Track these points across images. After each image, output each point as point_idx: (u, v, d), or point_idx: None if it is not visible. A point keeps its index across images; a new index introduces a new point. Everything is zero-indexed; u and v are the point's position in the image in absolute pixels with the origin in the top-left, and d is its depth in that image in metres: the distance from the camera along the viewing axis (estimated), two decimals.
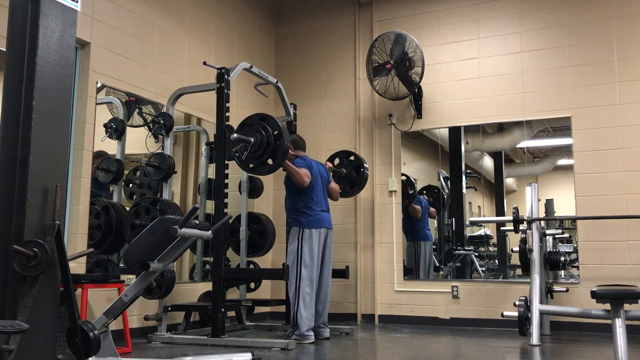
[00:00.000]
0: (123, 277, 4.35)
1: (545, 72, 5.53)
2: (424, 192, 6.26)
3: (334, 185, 5.00)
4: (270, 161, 4.37)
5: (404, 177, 6.02)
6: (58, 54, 2.43)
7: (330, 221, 4.75)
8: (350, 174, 5.52)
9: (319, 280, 4.60)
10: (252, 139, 4.31)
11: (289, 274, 4.48)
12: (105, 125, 4.60)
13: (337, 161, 5.57)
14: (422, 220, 6.15)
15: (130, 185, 4.88)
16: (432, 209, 6.18)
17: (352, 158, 5.56)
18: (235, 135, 4.26)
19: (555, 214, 5.44)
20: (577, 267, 5.23)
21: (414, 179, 6.26)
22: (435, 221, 6.36)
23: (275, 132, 4.33)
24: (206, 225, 3.30)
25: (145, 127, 5.03)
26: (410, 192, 6.02)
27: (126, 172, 4.79)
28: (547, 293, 4.91)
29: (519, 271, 5.51)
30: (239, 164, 4.45)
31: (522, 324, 4.45)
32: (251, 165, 4.43)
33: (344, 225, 6.05)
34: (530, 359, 3.88)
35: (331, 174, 5.14)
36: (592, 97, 5.32)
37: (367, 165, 5.56)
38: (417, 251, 6.07)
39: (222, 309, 4.30)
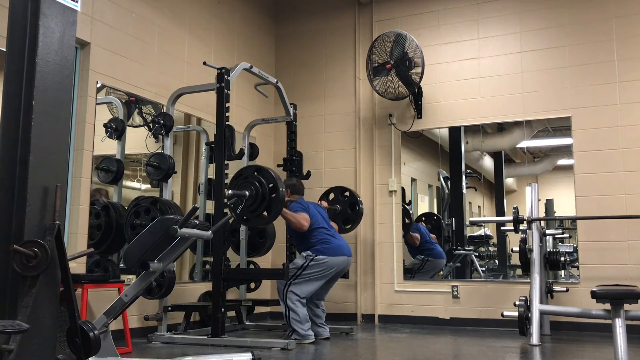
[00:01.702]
0: (123, 277, 4.35)
1: (545, 72, 5.53)
2: (423, 218, 6.22)
3: (332, 224, 4.92)
4: (265, 214, 4.29)
5: (401, 207, 5.95)
6: (58, 54, 2.43)
7: (350, 248, 4.64)
8: (345, 210, 5.42)
9: (322, 288, 4.57)
10: (247, 193, 4.23)
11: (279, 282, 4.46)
12: (105, 125, 4.60)
13: (332, 196, 5.48)
14: (427, 241, 6.04)
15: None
16: (433, 235, 6.10)
17: (347, 194, 5.46)
18: (230, 191, 4.17)
19: (555, 214, 5.44)
20: (577, 267, 5.23)
21: (413, 179, 6.26)
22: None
23: (271, 185, 4.23)
24: (206, 225, 3.30)
25: (145, 127, 5.03)
26: (406, 222, 5.94)
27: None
28: (547, 293, 4.92)
29: (519, 271, 5.51)
30: (234, 216, 4.38)
31: (522, 324, 4.45)
32: (245, 218, 4.33)
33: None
34: (530, 359, 3.88)
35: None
36: (592, 97, 5.32)
37: (362, 201, 5.45)
38: (423, 265, 6.01)
39: (222, 309, 4.29)
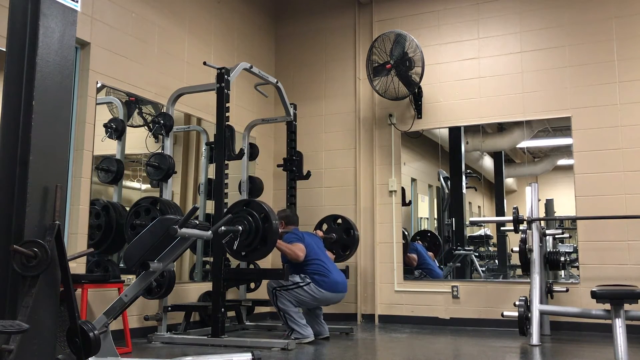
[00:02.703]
0: (123, 277, 4.35)
1: (545, 72, 5.52)
2: (418, 238, 6.20)
3: (328, 254, 4.90)
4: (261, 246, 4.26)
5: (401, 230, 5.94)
6: (58, 54, 2.43)
7: (346, 284, 4.59)
8: (341, 237, 5.40)
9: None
10: (240, 228, 4.19)
11: (271, 282, 4.45)
12: (105, 125, 4.60)
13: (325, 227, 5.46)
14: (426, 260, 6.03)
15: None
16: (431, 253, 6.08)
17: (339, 221, 5.46)
18: (222, 228, 4.13)
19: (555, 214, 5.44)
20: (577, 267, 5.23)
21: (413, 179, 6.26)
22: (436, 221, 6.36)
23: (262, 215, 4.21)
24: (206, 225, 3.30)
25: (145, 127, 5.03)
26: (403, 243, 5.92)
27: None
28: (547, 293, 4.91)
29: (519, 271, 5.51)
30: (230, 254, 4.35)
31: (522, 324, 4.45)
32: (243, 254, 4.29)
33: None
34: (530, 359, 3.88)
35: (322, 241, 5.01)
36: (592, 97, 5.32)
37: (356, 226, 5.46)
38: (421, 277, 6.00)
39: (222, 309, 4.30)
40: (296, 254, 4.44)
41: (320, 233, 5.22)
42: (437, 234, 6.20)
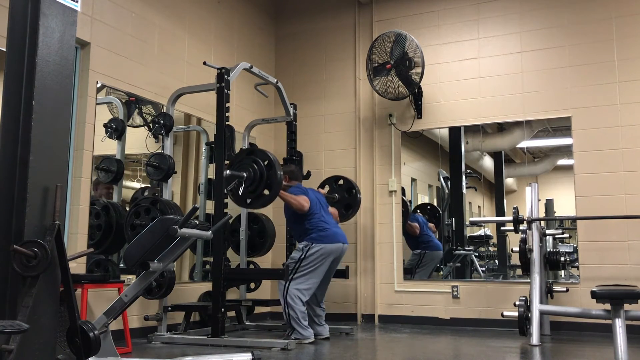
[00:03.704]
0: (123, 277, 4.35)
1: (545, 72, 5.53)
2: (418, 210, 6.25)
3: (332, 210, 4.96)
4: (266, 192, 4.33)
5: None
6: (58, 54, 2.43)
7: (345, 236, 4.66)
8: (343, 197, 5.50)
9: (320, 284, 4.57)
10: (244, 174, 4.28)
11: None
12: (105, 125, 4.60)
13: (327, 188, 5.53)
14: (426, 232, 6.10)
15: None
16: (431, 224, 6.16)
17: (341, 182, 5.55)
18: (228, 172, 4.20)
19: (555, 214, 5.44)
20: (577, 267, 5.23)
21: (413, 179, 6.26)
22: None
23: (266, 163, 4.29)
24: (206, 225, 3.30)
25: (145, 127, 5.03)
26: (402, 210, 5.97)
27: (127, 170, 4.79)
28: (547, 293, 4.91)
29: (519, 271, 5.51)
30: (234, 201, 4.39)
31: (522, 324, 4.45)
32: (249, 201, 4.36)
33: (344, 226, 6.02)
34: (530, 359, 3.88)
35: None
36: (592, 97, 5.32)
37: (357, 187, 5.54)
38: (420, 260, 6.03)
39: (222, 309, 4.29)
40: (301, 204, 4.48)
41: (322, 191, 5.29)
42: (436, 206, 6.25)
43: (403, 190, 6.03)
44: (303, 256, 4.43)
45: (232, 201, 4.46)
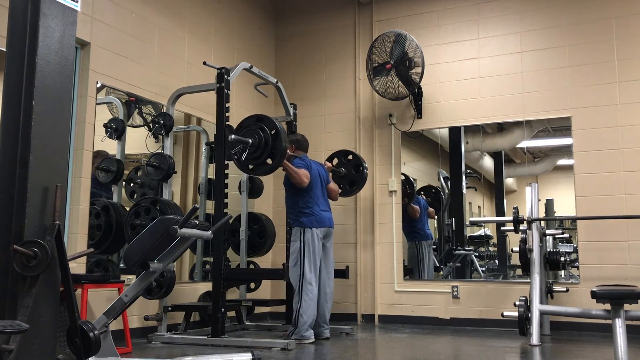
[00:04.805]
0: (123, 277, 4.35)
1: (545, 72, 5.52)
2: (422, 192, 6.28)
3: (333, 185, 5.00)
4: (269, 161, 4.38)
5: (402, 177, 6.03)
6: (58, 54, 2.43)
7: (332, 220, 4.76)
8: (349, 173, 5.55)
9: (320, 280, 4.59)
10: (250, 140, 4.32)
11: (292, 274, 4.49)
12: (105, 125, 4.60)
13: (335, 161, 5.59)
14: (422, 220, 6.16)
15: (132, 184, 4.88)
16: (431, 209, 6.20)
17: (350, 157, 5.59)
18: (233, 136, 4.26)
19: (555, 214, 5.44)
20: (577, 267, 5.23)
21: (414, 179, 6.26)
22: (435, 221, 6.36)
23: (273, 132, 4.34)
24: (206, 225, 3.30)
25: (145, 127, 5.03)
26: (408, 192, 6.03)
27: (127, 172, 4.80)
28: (547, 293, 4.91)
29: (519, 271, 5.51)
30: (238, 165, 4.45)
31: (522, 324, 4.45)
32: (251, 167, 4.43)
33: (344, 225, 6.05)
34: (530, 359, 3.88)
35: (330, 174, 5.14)
36: (592, 97, 5.32)
37: (366, 164, 5.59)
38: (418, 251, 6.07)
39: (222, 309, 4.30)
40: (301, 179, 4.53)
41: (329, 164, 5.32)
42: (440, 190, 6.28)
43: (404, 175, 6.03)
44: (302, 243, 4.50)
45: (235, 166, 4.51)
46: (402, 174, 6.04)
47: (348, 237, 6.07)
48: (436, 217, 6.24)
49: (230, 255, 5.11)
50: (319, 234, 4.59)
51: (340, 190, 5.32)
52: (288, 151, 4.55)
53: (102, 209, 4.35)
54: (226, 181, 4.51)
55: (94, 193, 4.38)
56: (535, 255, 4.69)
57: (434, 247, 6.19)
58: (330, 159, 5.58)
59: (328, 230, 4.70)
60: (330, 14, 6.56)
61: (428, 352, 4.17)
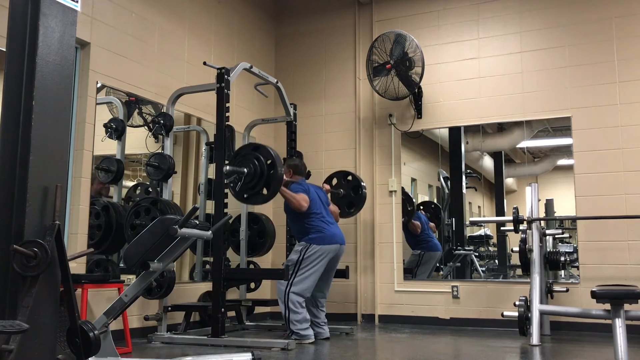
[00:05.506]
0: (123, 277, 4.35)
1: (545, 72, 5.53)
2: (421, 207, 6.26)
3: (333, 207, 4.96)
4: (264, 191, 4.32)
5: (403, 196, 5.98)
6: (58, 54, 2.43)
7: (343, 237, 4.66)
8: (348, 194, 5.47)
9: (321, 284, 4.57)
10: (245, 170, 4.27)
11: (279, 283, 4.46)
12: (105, 125, 4.60)
13: (335, 181, 5.52)
14: (425, 232, 6.11)
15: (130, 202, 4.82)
16: (432, 224, 6.17)
17: (349, 178, 5.51)
18: (228, 167, 4.21)
19: (555, 214, 5.44)
20: (577, 267, 5.23)
21: (413, 179, 6.26)
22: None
23: (269, 162, 4.27)
24: (206, 225, 3.30)
25: (145, 127, 5.03)
26: (409, 209, 5.98)
27: (126, 180, 4.80)
28: (547, 293, 4.92)
29: (519, 271, 5.51)
30: (233, 194, 4.39)
31: (522, 324, 4.45)
32: (246, 196, 4.36)
33: (344, 226, 6.01)
34: (530, 359, 3.88)
35: (329, 195, 5.10)
36: (592, 97, 5.32)
37: (365, 185, 5.52)
38: (421, 260, 6.04)
39: (222, 309, 4.29)
40: (300, 204, 4.46)
41: (327, 187, 5.27)
42: (440, 205, 6.26)
43: (403, 189, 6.03)
44: (301, 258, 4.43)
45: (232, 196, 4.47)
46: (404, 192, 5.98)
47: (348, 237, 6.01)
48: (436, 231, 6.19)
49: (230, 255, 5.11)
50: (329, 253, 4.48)
51: (339, 212, 5.27)
52: (285, 177, 4.48)
53: (102, 209, 4.35)
54: (226, 181, 4.50)
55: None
56: (535, 255, 4.69)
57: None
58: (329, 179, 5.52)
59: (340, 248, 4.58)
60: (330, 14, 6.56)
61: (428, 352, 4.17)
